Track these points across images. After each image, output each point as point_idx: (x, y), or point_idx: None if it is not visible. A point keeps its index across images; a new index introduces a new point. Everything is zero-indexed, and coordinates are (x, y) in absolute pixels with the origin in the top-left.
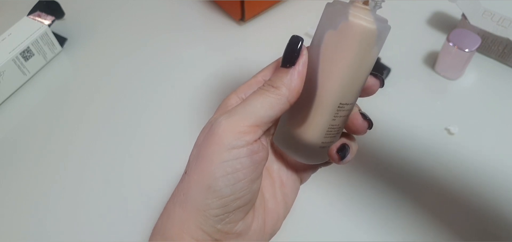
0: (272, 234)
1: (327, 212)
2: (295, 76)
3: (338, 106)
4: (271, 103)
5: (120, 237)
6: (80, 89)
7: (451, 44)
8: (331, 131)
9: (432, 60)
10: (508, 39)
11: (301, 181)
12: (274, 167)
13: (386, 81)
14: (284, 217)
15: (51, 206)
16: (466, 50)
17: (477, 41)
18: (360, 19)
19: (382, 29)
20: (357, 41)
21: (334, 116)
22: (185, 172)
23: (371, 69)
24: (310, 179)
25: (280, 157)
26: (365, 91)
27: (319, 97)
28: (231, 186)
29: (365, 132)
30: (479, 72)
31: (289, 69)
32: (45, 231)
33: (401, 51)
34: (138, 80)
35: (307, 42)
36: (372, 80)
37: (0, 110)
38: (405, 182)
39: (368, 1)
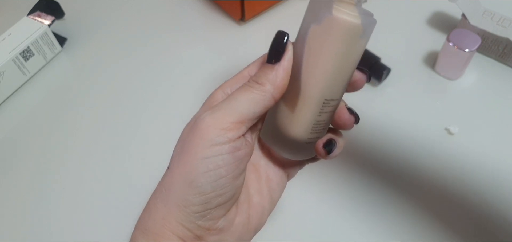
0: (257, 229)
1: (321, 211)
2: (280, 72)
3: (324, 102)
4: (256, 99)
5: (120, 237)
6: (80, 89)
7: (451, 44)
8: (317, 127)
9: (432, 60)
10: (508, 39)
11: (288, 177)
12: (261, 162)
13: (386, 82)
14: (270, 212)
15: (51, 206)
16: (466, 50)
17: (477, 41)
18: (344, 14)
19: (367, 24)
20: (341, 36)
21: (320, 112)
22: (168, 167)
23: (356, 64)
24: (310, 183)
25: (267, 152)
26: (352, 86)
27: (304, 93)
28: (212, 183)
29: (352, 127)
30: (479, 72)
31: (274, 65)
32: (45, 231)
33: (401, 51)
34: (138, 80)
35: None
36: (359, 75)
37: (0, 110)
38: (404, 182)
39: None
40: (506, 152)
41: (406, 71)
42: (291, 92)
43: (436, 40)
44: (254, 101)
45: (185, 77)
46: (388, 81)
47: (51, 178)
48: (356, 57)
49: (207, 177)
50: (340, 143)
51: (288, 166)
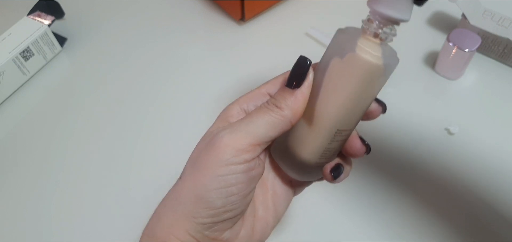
0: (261, 241)
1: (324, 211)
2: (300, 98)
3: (336, 132)
4: (274, 123)
5: (120, 237)
6: (80, 89)
7: (451, 44)
8: (326, 153)
9: (432, 60)
10: (508, 39)
11: (294, 193)
12: (269, 176)
13: (386, 82)
14: (274, 226)
15: (51, 206)
16: (466, 50)
17: (477, 41)
18: (367, 53)
19: (389, 64)
20: (360, 75)
21: (331, 140)
22: (180, 178)
23: (373, 99)
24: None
25: (276, 167)
26: (367, 116)
27: (318, 120)
28: (223, 199)
29: (362, 156)
30: (479, 72)
31: (294, 91)
32: (45, 230)
33: (401, 51)
34: (138, 80)
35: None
36: (375, 106)
37: (0, 110)
38: (404, 181)
39: (378, 34)
40: (506, 151)
41: (406, 71)
42: (305, 116)
43: (436, 40)
44: (272, 125)
45: (185, 77)
46: (388, 81)
47: (51, 178)
48: (374, 93)
49: (218, 193)
50: (347, 169)
51: (295, 183)
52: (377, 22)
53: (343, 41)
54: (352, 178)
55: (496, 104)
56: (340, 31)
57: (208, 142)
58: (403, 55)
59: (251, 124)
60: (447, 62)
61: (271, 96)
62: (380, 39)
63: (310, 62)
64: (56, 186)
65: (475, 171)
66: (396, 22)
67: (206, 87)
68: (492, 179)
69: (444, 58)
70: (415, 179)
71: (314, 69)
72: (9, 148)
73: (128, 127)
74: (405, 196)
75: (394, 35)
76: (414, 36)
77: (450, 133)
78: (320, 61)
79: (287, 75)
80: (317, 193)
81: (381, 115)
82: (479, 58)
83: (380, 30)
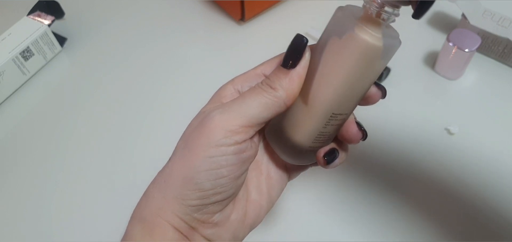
0: (253, 226)
1: (324, 211)
2: (295, 78)
3: (331, 116)
4: (267, 104)
5: (120, 237)
6: (80, 89)
7: (451, 44)
8: (320, 137)
9: (432, 60)
10: (508, 39)
11: (289, 178)
12: (264, 159)
13: (386, 82)
14: (267, 210)
15: (51, 206)
16: (466, 50)
17: (477, 41)
18: (367, 33)
19: (390, 46)
20: (358, 56)
21: (325, 124)
22: (170, 159)
23: (372, 82)
24: (303, 179)
25: (271, 149)
26: (365, 101)
27: (312, 102)
28: (212, 181)
29: (358, 142)
30: (479, 72)
31: (289, 71)
32: (45, 230)
33: (401, 51)
34: (138, 80)
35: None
36: (374, 90)
37: (0, 110)
38: (404, 182)
39: (380, 13)
40: (506, 151)
41: (406, 71)
42: (300, 97)
43: (436, 40)
44: (265, 106)
45: (185, 77)
46: (388, 81)
47: (51, 178)
48: (373, 76)
49: (207, 175)
50: (342, 155)
51: (291, 168)
52: (379, 0)
53: (342, 19)
54: (350, 177)
55: (496, 104)
56: (339, 9)
57: (199, 121)
58: (403, 55)
59: (244, 104)
60: (447, 62)
61: (266, 76)
62: (382, 19)
63: (307, 40)
64: (56, 186)
65: (475, 171)
66: (399, 2)
67: (206, 87)
68: (492, 179)
69: (444, 58)
70: (414, 178)
71: (311, 49)
72: (9, 148)
73: (128, 126)
74: (404, 196)
75: (397, 15)
76: (414, 36)
77: (450, 133)
78: (318, 40)
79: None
80: (311, 190)
81: (381, 116)
82: (479, 58)
83: (382, 10)
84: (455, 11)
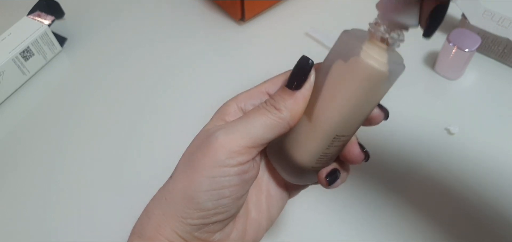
0: None
1: (324, 212)
2: (299, 100)
3: (334, 137)
4: (272, 125)
5: (120, 237)
6: (80, 89)
7: (451, 44)
8: (323, 158)
9: (432, 60)
10: (508, 39)
11: (289, 196)
12: (264, 177)
13: (390, 88)
14: (267, 229)
15: (51, 206)
16: (466, 50)
17: (477, 41)
18: (372, 58)
19: (394, 72)
20: (363, 81)
21: (329, 146)
22: (171, 176)
23: (375, 105)
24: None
25: (272, 167)
26: (368, 122)
27: (316, 124)
28: (214, 201)
29: (360, 163)
30: (479, 72)
31: (294, 93)
32: (45, 230)
33: (401, 51)
34: (138, 80)
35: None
36: (377, 112)
37: (0, 110)
38: (404, 182)
39: (385, 39)
40: (506, 151)
41: (406, 71)
42: (304, 118)
43: (436, 40)
44: (269, 127)
45: (185, 77)
46: None
47: (51, 178)
48: (376, 100)
49: (210, 195)
50: (343, 175)
51: (291, 186)
52: (385, 26)
53: (348, 43)
54: (350, 178)
55: (496, 104)
56: (345, 33)
57: (203, 140)
58: (403, 55)
59: (248, 125)
60: (447, 62)
61: (270, 95)
62: (387, 44)
63: (312, 62)
64: (56, 186)
65: (475, 171)
66: (405, 27)
67: (206, 87)
68: (492, 179)
69: (444, 58)
70: (414, 179)
71: (316, 70)
72: (9, 148)
73: (128, 126)
74: (404, 196)
75: (402, 41)
76: (414, 36)
77: (450, 133)
78: (323, 62)
79: (288, 75)
80: (311, 190)
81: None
82: (479, 58)
83: (387, 35)
84: (455, 11)
